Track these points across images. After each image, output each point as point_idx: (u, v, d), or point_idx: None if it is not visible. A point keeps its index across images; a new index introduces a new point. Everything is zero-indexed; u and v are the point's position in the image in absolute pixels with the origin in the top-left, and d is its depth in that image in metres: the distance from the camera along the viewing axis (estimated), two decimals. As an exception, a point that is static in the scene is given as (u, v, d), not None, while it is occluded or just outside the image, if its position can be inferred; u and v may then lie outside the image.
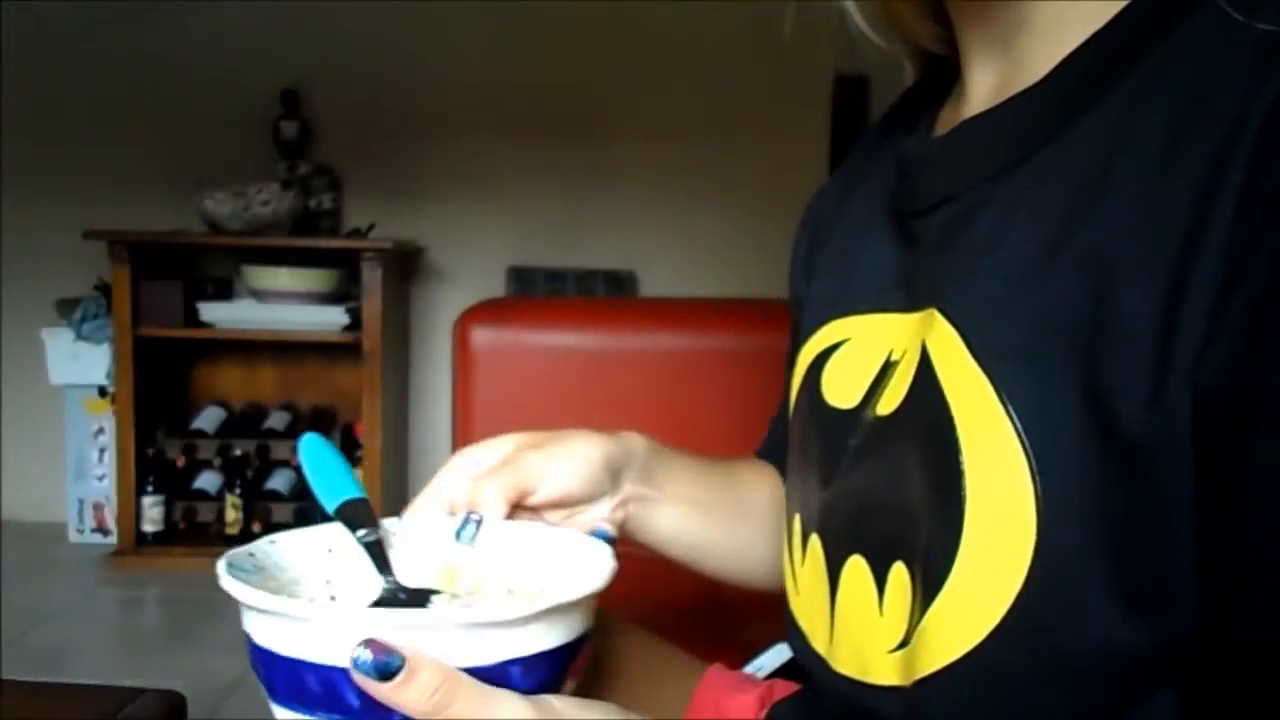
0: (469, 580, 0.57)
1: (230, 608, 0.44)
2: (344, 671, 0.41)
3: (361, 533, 0.55)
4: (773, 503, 0.73)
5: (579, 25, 3.15)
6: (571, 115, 3.21)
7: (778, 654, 0.77)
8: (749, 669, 0.80)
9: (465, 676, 0.42)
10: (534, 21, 3.14)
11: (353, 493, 0.58)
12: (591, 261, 3.19)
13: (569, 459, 0.64)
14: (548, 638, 0.45)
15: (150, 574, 2.78)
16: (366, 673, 0.40)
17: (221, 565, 0.47)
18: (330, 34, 3.15)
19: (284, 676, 0.43)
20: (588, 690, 0.49)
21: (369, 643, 0.41)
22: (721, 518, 0.72)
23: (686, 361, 1.18)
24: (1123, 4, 0.47)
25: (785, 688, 0.71)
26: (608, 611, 0.74)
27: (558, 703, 0.44)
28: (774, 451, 0.76)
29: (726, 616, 1.02)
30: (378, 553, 0.55)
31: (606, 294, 3.12)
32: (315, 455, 0.60)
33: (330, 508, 0.57)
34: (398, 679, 0.40)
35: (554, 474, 0.63)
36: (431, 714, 0.41)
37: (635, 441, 0.68)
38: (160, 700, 0.83)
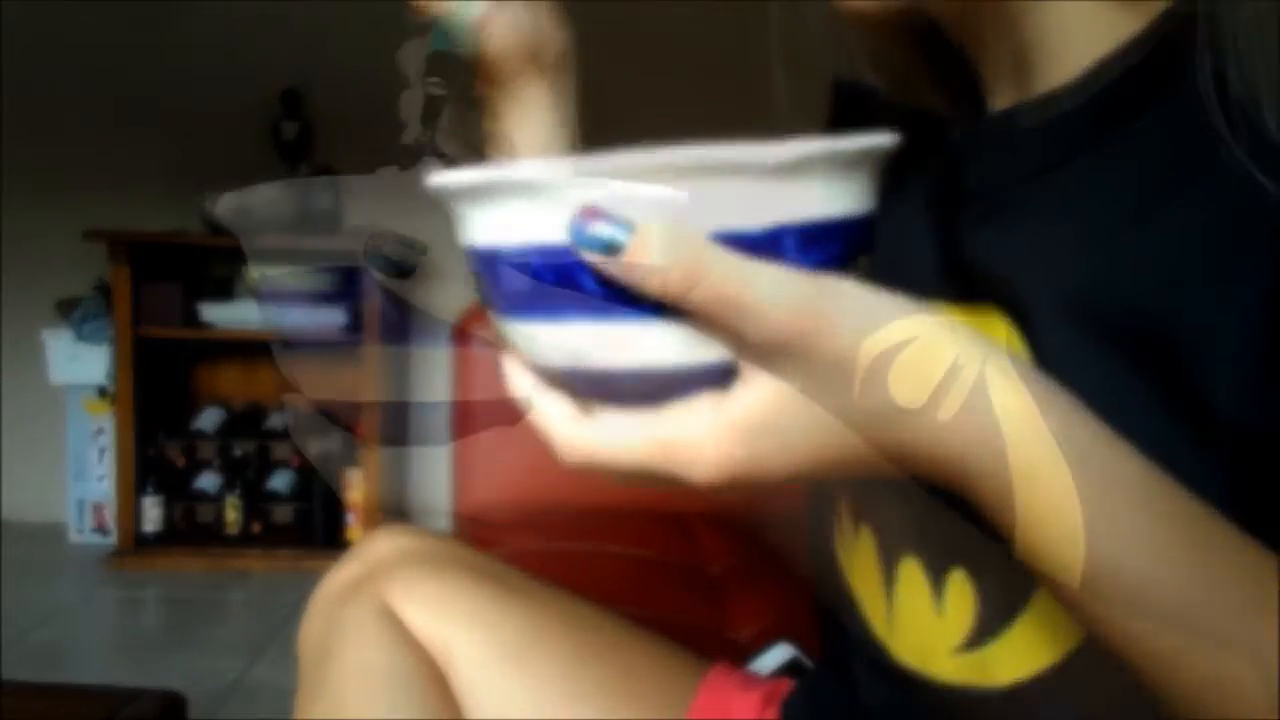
0: None
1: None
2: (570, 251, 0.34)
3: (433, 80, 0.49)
4: None
5: (579, 26, 3.14)
6: (571, 115, 3.21)
7: (778, 654, 0.77)
8: (750, 669, 0.79)
9: (716, 245, 0.33)
10: (534, 21, 3.14)
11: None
12: (591, 261, 3.19)
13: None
14: (829, 199, 0.35)
15: (150, 574, 2.78)
16: (589, 247, 0.33)
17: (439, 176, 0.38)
18: (330, 34, 3.15)
19: (513, 274, 0.36)
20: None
21: (586, 210, 0.33)
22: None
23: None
24: (1147, 19, 0.46)
25: (789, 687, 0.71)
26: (606, 610, 0.74)
27: (848, 285, 0.35)
28: None
29: (726, 617, 1.02)
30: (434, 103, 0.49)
31: (607, 294, 3.11)
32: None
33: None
34: (627, 249, 0.32)
35: None
36: (679, 293, 0.33)
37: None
38: (160, 700, 0.83)
